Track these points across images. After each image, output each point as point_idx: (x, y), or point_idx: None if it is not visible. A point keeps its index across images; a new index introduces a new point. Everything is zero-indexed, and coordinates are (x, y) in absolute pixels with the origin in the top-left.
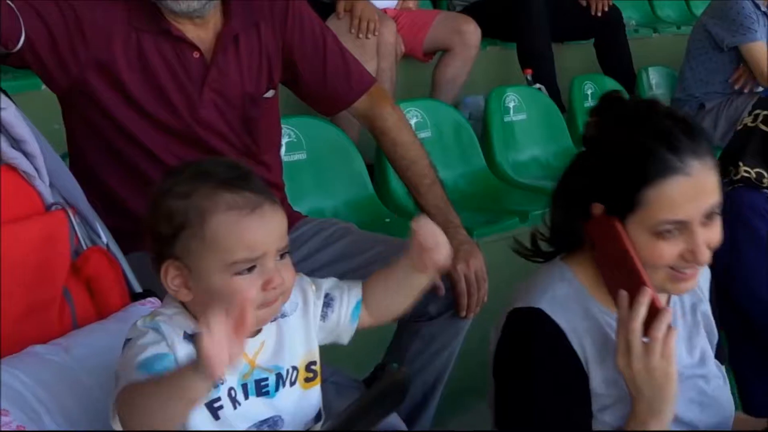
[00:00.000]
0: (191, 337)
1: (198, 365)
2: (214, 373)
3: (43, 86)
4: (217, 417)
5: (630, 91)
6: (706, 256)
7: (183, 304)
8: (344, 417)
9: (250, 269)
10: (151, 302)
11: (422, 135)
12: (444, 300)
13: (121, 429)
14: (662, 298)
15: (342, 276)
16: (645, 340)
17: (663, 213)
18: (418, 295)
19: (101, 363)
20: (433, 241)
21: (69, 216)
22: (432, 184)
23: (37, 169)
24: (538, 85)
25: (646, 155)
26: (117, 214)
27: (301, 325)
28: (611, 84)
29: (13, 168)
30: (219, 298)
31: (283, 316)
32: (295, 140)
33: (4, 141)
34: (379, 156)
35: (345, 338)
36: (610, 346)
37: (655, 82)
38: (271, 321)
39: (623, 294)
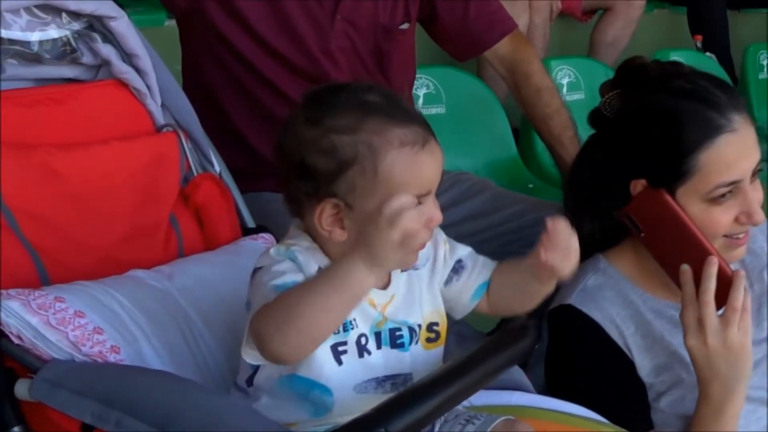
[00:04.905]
0: None
1: (363, 255)
2: (414, 250)
3: (167, 22)
4: (340, 362)
5: None
6: (761, 215)
7: (314, 240)
8: (459, 362)
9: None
10: (264, 238)
11: (575, 97)
12: None
13: (255, 362)
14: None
15: (476, 234)
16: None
17: (718, 176)
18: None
19: (205, 296)
20: (565, 244)
21: (180, 139)
22: (574, 137)
23: (149, 87)
24: (708, 54)
25: (690, 117)
26: (235, 150)
27: (428, 281)
28: None
29: (123, 84)
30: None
31: (415, 268)
32: (433, 92)
33: (114, 54)
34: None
35: (458, 313)
36: (656, 333)
37: None
38: (402, 271)
39: (685, 269)
